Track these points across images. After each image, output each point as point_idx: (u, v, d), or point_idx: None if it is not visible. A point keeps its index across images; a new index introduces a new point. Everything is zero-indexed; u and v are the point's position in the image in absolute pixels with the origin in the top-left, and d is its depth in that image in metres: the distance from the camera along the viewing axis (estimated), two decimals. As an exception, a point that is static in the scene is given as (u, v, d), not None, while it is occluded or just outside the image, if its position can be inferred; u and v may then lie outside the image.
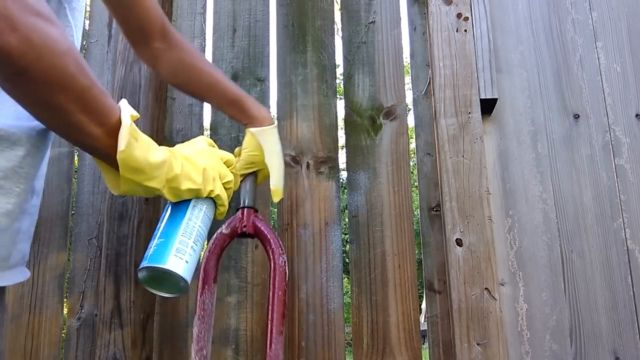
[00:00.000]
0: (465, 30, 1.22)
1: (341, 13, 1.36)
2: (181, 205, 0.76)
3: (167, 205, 0.77)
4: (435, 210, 1.21)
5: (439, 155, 1.16)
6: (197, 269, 0.92)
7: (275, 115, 1.31)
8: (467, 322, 1.06)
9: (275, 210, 1.32)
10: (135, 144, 0.63)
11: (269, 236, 0.98)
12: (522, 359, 1.12)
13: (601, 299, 1.15)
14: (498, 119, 1.25)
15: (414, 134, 1.29)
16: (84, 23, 1.44)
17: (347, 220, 1.25)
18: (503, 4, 1.32)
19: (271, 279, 0.95)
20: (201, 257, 0.93)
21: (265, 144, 0.99)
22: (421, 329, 1.18)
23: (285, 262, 0.96)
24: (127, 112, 0.63)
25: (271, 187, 1.00)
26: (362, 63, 1.30)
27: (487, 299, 1.07)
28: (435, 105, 1.19)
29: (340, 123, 1.35)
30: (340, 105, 1.33)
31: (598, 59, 1.29)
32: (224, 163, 0.79)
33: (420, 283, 1.33)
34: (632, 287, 1.15)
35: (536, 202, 1.20)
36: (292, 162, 1.24)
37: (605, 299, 1.15)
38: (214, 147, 0.87)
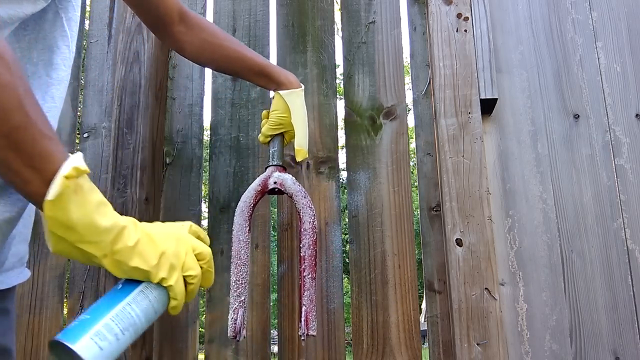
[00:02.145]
0: (465, 30, 1.22)
1: (341, 13, 1.36)
2: (130, 285, 0.65)
3: (119, 281, 0.67)
4: (435, 210, 1.21)
5: (439, 155, 1.16)
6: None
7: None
8: (467, 322, 1.06)
9: (275, 210, 1.32)
10: (73, 198, 0.56)
11: (297, 192, 1.03)
12: (522, 359, 1.12)
13: (601, 299, 1.15)
14: (498, 119, 1.25)
15: (414, 134, 1.29)
16: (84, 23, 1.44)
17: (347, 220, 1.25)
18: (503, 4, 1.32)
19: (301, 232, 1.01)
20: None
21: (293, 105, 1.05)
22: (421, 329, 1.18)
23: (314, 215, 1.02)
24: (72, 163, 0.56)
25: (295, 146, 1.06)
26: (362, 63, 1.30)
27: (487, 299, 1.07)
28: (435, 105, 1.19)
29: (340, 123, 1.35)
30: (340, 105, 1.33)
31: (598, 59, 1.29)
32: (196, 255, 0.67)
33: (420, 283, 1.33)
34: (632, 287, 1.15)
35: (536, 202, 1.20)
36: (291, 162, 1.24)
37: (605, 299, 1.15)
38: (198, 236, 0.73)
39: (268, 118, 1.08)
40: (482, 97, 1.19)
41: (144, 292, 0.65)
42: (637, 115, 1.25)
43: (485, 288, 1.07)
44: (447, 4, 1.24)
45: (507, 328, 1.13)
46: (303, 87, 1.08)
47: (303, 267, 1.00)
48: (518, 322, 1.14)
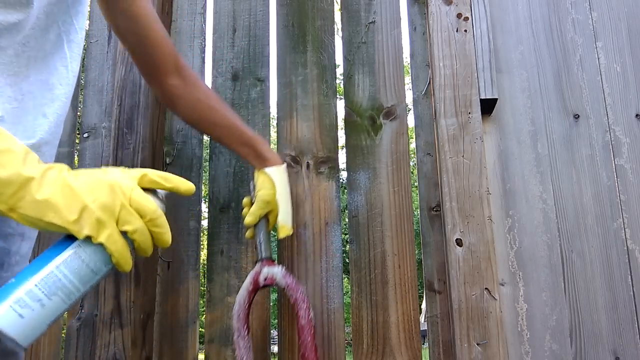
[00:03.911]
0: (465, 30, 1.22)
1: (341, 13, 1.36)
2: (62, 245, 0.59)
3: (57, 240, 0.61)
4: (435, 210, 1.21)
5: (439, 155, 1.16)
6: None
7: (275, 115, 1.31)
8: (467, 322, 1.06)
9: (275, 210, 1.32)
10: None
11: (291, 286, 1.01)
12: (522, 359, 1.12)
13: (601, 299, 1.15)
14: (498, 119, 1.25)
15: (414, 134, 1.29)
16: (85, 23, 1.44)
17: (347, 220, 1.25)
18: (503, 4, 1.32)
19: (299, 327, 1.00)
20: (236, 310, 1.01)
21: (278, 182, 1.04)
22: (421, 329, 1.18)
23: (309, 307, 1.01)
24: None
25: (279, 222, 1.03)
26: (362, 63, 1.30)
27: (487, 299, 1.07)
28: (435, 105, 1.19)
29: (340, 123, 1.35)
30: (340, 105, 1.33)
31: (598, 59, 1.29)
32: (137, 209, 0.59)
33: (420, 283, 1.33)
34: (632, 287, 1.15)
35: (536, 202, 1.20)
36: (292, 162, 1.24)
37: (605, 299, 1.15)
38: (158, 185, 0.64)
39: (251, 204, 1.06)
40: (482, 97, 1.19)
41: (76, 251, 0.58)
42: (637, 115, 1.25)
43: (485, 288, 1.07)
44: (447, 4, 1.24)
45: (507, 328, 1.13)
46: (285, 164, 1.08)
47: None
48: (518, 322, 1.14)
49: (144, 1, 0.92)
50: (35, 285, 0.56)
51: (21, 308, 0.55)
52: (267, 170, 1.04)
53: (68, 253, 0.58)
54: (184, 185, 0.64)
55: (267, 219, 1.06)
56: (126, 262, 0.59)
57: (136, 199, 0.59)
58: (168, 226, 0.62)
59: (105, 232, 0.57)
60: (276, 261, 1.04)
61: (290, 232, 1.05)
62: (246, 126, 1.07)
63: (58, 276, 0.58)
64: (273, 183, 1.03)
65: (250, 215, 1.04)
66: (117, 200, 0.58)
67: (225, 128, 1.05)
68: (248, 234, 1.08)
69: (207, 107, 1.03)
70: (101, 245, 0.57)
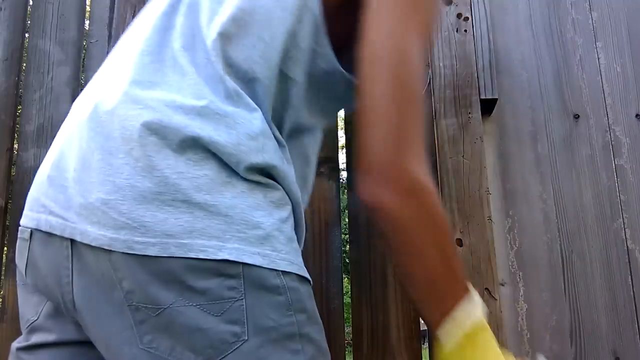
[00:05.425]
0: (465, 31, 1.22)
1: (341, 13, 1.35)
2: None
3: None
4: (435, 211, 1.21)
5: (439, 155, 1.16)
6: None
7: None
8: (467, 322, 1.06)
9: (275, 210, 1.32)
10: (466, 353, 0.53)
11: None
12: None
13: (601, 299, 1.15)
14: (498, 119, 1.25)
15: (414, 134, 1.29)
16: (85, 23, 1.44)
17: (347, 220, 1.25)
18: (503, 4, 1.32)
19: None
20: None
21: None
22: (421, 329, 1.18)
23: None
24: (474, 319, 0.53)
25: None
26: (362, 63, 1.30)
27: (487, 299, 1.07)
28: (435, 106, 1.19)
29: (340, 123, 1.35)
30: (340, 105, 1.33)
31: (598, 59, 1.29)
32: None
33: (420, 283, 1.33)
34: (632, 287, 1.15)
35: (536, 202, 1.20)
36: (292, 162, 1.24)
37: (605, 299, 1.15)
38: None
39: None
40: (482, 97, 1.19)
41: None
42: (637, 115, 1.26)
43: (485, 288, 1.07)
44: (447, 4, 1.24)
45: (507, 328, 1.13)
46: None
47: None
48: (518, 322, 1.14)
49: None
50: None
51: None
52: None
53: None
54: None
55: None
56: None
57: None
58: None
59: None
60: None
61: None
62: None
63: None
64: None
65: None
66: None
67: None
68: None
69: None
70: None
